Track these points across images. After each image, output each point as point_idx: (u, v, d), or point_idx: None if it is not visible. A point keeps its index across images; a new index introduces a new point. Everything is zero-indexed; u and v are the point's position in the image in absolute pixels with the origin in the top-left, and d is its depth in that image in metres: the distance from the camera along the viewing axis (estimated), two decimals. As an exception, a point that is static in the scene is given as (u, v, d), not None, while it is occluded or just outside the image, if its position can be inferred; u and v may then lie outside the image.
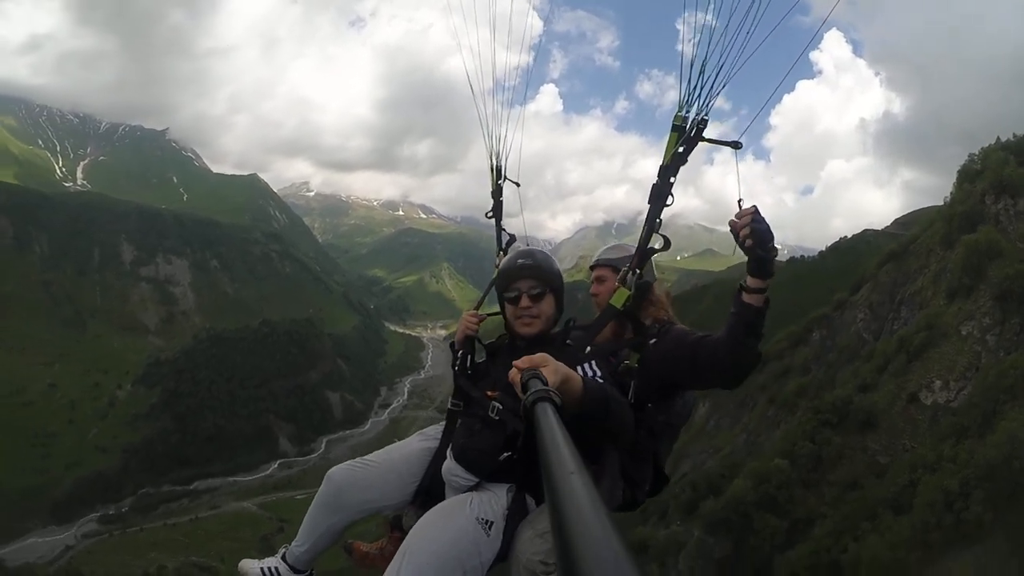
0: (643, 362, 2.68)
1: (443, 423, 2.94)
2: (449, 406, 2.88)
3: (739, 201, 2.39)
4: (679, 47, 2.41)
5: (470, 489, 2.51)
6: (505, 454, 2.41)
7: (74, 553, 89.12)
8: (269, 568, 2.93)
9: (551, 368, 1.75)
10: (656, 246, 2.78)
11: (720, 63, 2.41)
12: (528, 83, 3.56)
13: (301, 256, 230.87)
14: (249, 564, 2.98)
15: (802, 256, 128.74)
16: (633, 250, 2.93)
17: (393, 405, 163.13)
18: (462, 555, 2.22)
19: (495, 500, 2.42)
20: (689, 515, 45.55)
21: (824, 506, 35.55)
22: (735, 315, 2.51)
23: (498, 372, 2.57)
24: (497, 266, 3.30)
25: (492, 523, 2.32)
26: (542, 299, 2.70)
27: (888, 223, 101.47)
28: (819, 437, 39.08)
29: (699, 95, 2.53)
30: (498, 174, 3.55)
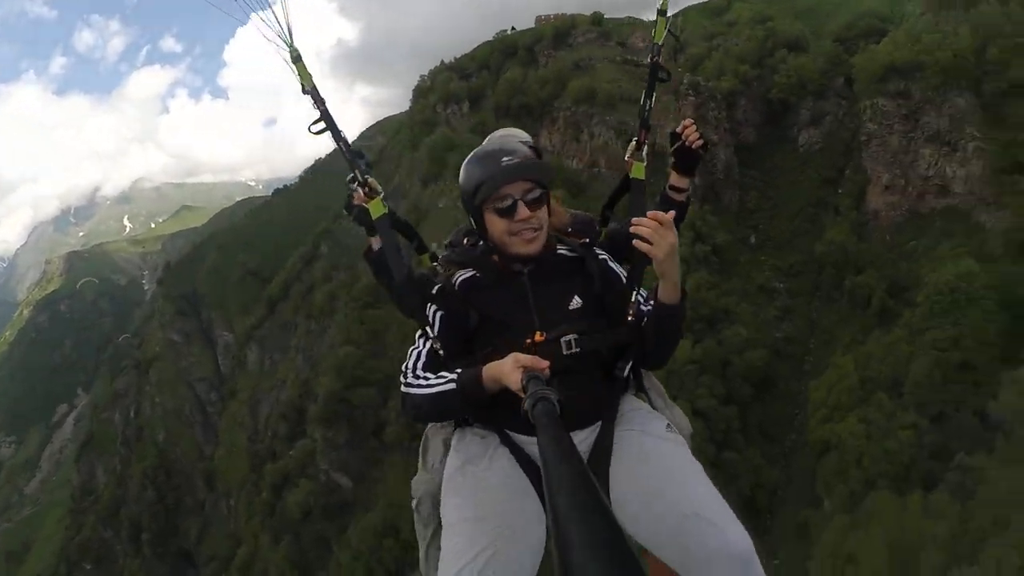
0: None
1: (446, 444, 2.29)
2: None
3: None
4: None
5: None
6: (625, 364, 2.21)
7: None
8: None
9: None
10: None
11: None
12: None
13: None
14: None
15: (285, 186, 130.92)
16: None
17: None
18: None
19: (646, 414, 2.22)
20: (305, 435, 55.90)
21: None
22: (669, 209, 2.66)
23: (505, 309, 2.12)
24: (361, 183, 2.49)
25: (683, 438, 2.15)
26: (542, 205, 2.17)
27: (354, 138, 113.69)
28: (367, 316, 49.00)
29: None
30: (296, 58, 2.51)
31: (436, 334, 2.18)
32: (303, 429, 57.62)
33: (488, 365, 1.93)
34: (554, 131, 52.31)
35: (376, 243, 2.60)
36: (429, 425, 2.47)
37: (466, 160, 2.29)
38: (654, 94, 2.65)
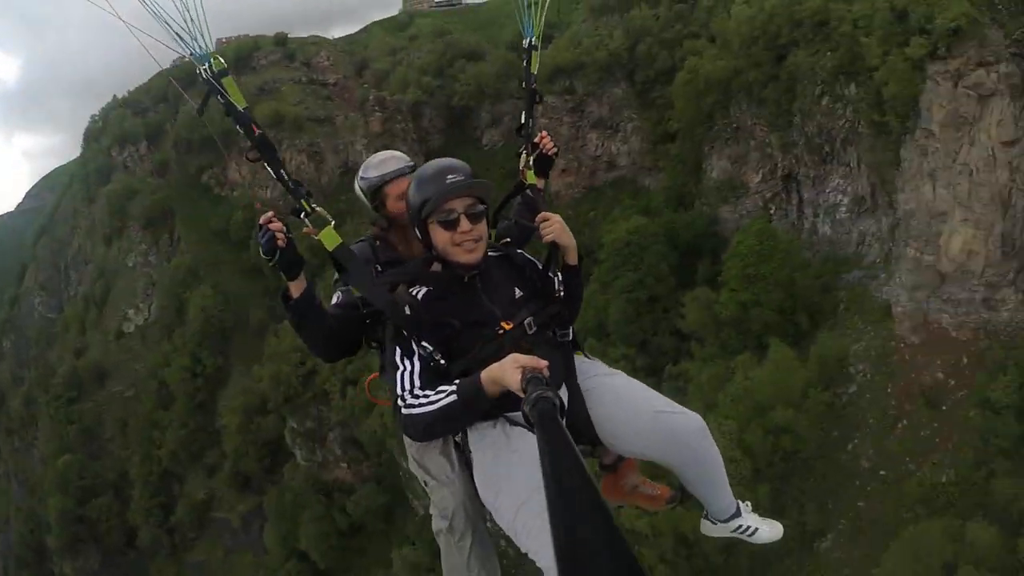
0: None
1: (447, 455, 2.63)
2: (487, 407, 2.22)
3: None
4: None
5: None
6: (561, 334, 2.66)
7: None
8: None
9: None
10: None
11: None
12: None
13: None
14: None
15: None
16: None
17: None
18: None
19: (590, 363, 2.76)
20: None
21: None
22: (532, 205, 3.15)
23: (468, 311, 2.42)
24: (308, 213, 2.63)
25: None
26: (482, 219, 2.44)
27: (20, 200, 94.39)
28: (74, 413, 43.22)
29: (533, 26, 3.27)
30: (221, 74, 2.54)
31: (432, 348, 2.34)
32: (49, 569, 47.61)
33: (487, 368, 2.06)
34: (243, 161, 50.16)
35: (296, 288, 2.57)
36: (413, 448, 2.69)
37: (415, 178, 2.53)
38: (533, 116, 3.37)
